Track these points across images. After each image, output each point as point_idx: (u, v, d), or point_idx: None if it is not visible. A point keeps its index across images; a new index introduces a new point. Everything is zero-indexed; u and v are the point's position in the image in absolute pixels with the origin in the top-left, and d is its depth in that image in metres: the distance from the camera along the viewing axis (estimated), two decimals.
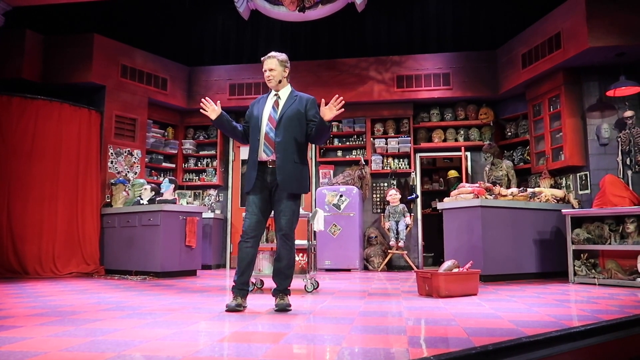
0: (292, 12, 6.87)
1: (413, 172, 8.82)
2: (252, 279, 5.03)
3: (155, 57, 8.57)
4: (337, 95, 3.44)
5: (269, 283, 4.44)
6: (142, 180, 7.61)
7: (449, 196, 6.44)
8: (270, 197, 3.60)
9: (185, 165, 9.46)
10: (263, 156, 3.55)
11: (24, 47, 7.32)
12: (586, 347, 2.54)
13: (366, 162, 8.81)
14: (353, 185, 8.45)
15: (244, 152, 9.35)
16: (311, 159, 9.18)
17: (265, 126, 3.58)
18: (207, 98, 3.71)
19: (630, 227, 5.28)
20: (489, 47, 8.54)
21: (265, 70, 3.65)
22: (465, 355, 2.07)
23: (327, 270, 7.98)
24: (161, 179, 8.64)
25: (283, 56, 3.68)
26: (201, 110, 3.70)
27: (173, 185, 7.29)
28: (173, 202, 7.01)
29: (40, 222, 6.81)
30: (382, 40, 9.10)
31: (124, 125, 7.97)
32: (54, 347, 2.23)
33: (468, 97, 8.60)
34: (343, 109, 3.44)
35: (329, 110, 3.41)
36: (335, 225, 8.11)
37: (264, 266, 4.97)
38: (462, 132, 8.79)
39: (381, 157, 8.84)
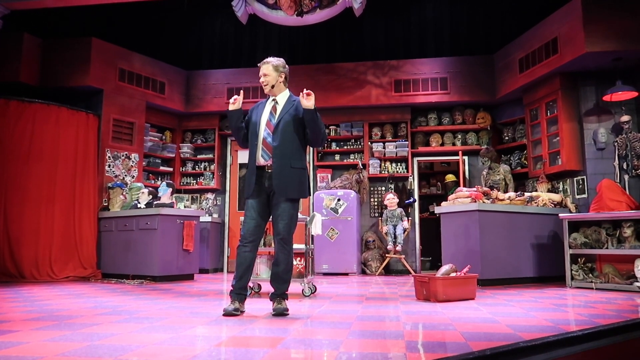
0: (290, 17, 6.89)
1: (411, 176, 8.83)
2: (250, 283, 5.03)
3: (153, 60, 8.57)
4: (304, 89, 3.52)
5: (267, 287, 4.44)
6: (139, 184, 7.60)
7: (446, 200, 6.44)
8: (269, 201, 3.60)
9: (183, 169, 9.45)
10: (261, 161, 3.58)
11: (22, 50, 7.32)
12: (584, 352, 2.54)
13: (364, 166, 8.82)
14: (351, 189, 8.46)
15: (242, 156, 9.36)
16: (309, 163, 9.18)
17: (263, 131, 3.60)
18: (237, 96, 3.70)
19: (627, 232, 5.29)
20: (486, 51, 8.57)
21: (261, 77, 3.70)
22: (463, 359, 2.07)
23: (325, 274, 7.97)
24: (159, 182, 8.61)
25: (279, 61, 3.70)
26: (235, 97, 3.67)
27: (170, 189, 7.29)
28: (170, 205, 7.01)
29: (37, 225, 6.78)
30: (379, 44, 9.13)
31: (121, 129, 7.96)
32: (50, 351, 2.22)
33: (465, 101, 8.62)
34: (312, 94, 3.46)
35: (304, 100, 3.47)
36: (333, 229, 8.11)
37: (261, 270, 4.97)
38: (459, 137, 8.82)
39: (379, 161, 8.85)
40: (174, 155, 9.34)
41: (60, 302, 4.22)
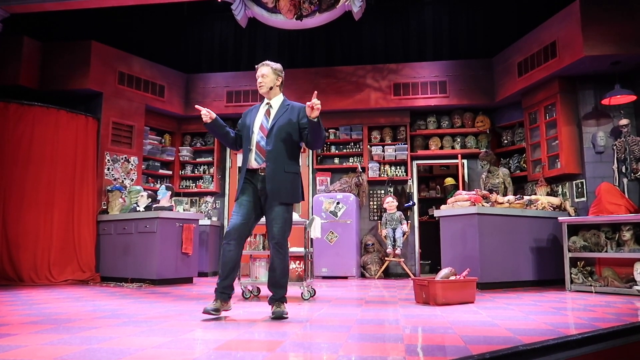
0: (289, 20, 6.90)
1: (410, 179, 8.84)
2: (249, 287, 5.02)
3: (152, 64, 8.58)
4: (315, 93, 3.47)
5: (266, 290, 4.43)
6: (138, 187, 7.59)
7: (445, 204, 6.45)
8: (260, 204, 3.59)
9: (182, 172, 9.45)
10: (254, 164, 3.57)
11: (22, 53, 7.33)
12: (583, 355, 2.54)
13: (363, 169, 8.82)
14: (350, 192, 8.46)
15: (241, 159, 9.34)
16: (308, 166, 9.19)
17: (256, 135, 3.59)
18: (198, 107, 3.72)
19: (627, 235, 5.29)
20: (485, 55, 8.59)
21: (258, 77, 3.69)
22: None
23: (324, 277, 7.96)
24: (158, 185, 8.62)
25: (277, 65, 3.71)
26: (198, 110, 3.69)
27: (170, 192, 7.28)
28: (169, 209, 7.00)
29: (36, 228, 6.77)
30: (379, 48, 9.16)
31: (121, 132, 7.96)
32: (48, 355, 2.21)
33: (464, 105, 8.63)
34: (319, 104, 3.36)
35: (310, 111, 3.38)
36: (332, 233, 8.11)
37: (260, 273, 4.96)
38: (458, 140, 8.83)
39: (378, 165, 8.86)
40: (173, 159, 9.34)
41: (59, 305, 4.21)
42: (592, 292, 5.37)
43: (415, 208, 8.85)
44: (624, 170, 6.65)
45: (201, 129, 9.38)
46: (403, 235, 8.13)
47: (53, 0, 6.62)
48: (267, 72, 3.66)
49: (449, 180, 9.84)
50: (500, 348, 2.30)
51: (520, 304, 4.35)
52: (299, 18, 6.82)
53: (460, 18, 8.92)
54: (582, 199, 6.90)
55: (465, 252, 5.83)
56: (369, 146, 8.94)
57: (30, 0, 6.62)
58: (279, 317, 3.42)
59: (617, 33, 6.28)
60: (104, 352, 2.28)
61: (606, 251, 5.47)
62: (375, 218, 8.85)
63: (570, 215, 6.47)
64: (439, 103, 8.61)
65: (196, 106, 3.75)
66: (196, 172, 9.49)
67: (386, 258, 8.20)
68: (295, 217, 5.06)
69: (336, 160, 9.16)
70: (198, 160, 9.51)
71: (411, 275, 8.09)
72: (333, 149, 9.21)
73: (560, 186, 7.35)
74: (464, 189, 8.34)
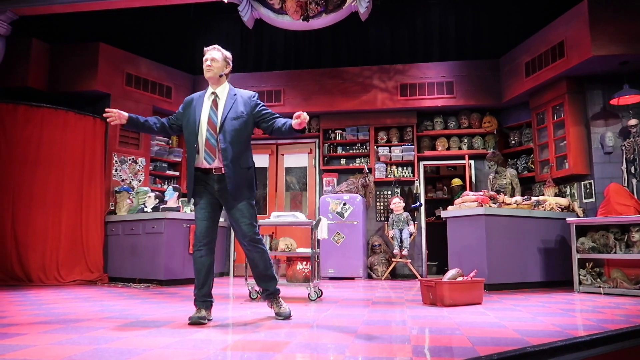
0: (296, 21, 6.91)
1: (417, 180, 8.82)
2: (256, 287, 5.02)
3: (159, 65, 8.62)
4: (299, 113, 3.20)
5: None
6: (146, 188, 7.63)
7: (452, 204, 6.43)
8: (219, 203, 3.42)
9: None
10: (205, 164, 3.33)
11: (30, 55, 7.39)
12: (592, 357, 2.52)
13: (370, 170, 8.81)
14: (357, 193, 8.45)
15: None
16: (315, 167, 9.20)
17: (205, 132, 3.33)
18: (107, 111, 3.38)
19: (636, 236, 5.25)
20: (492, 55, 8.56)
21: (207, 60, 3.41)
22: None
23: (331, 278, 7.95)
24: (165, 186, 8.65)
25: (228, 53, 3.52)
26: (109, 120, 3.35)
27: (177, 193, 7.31)
28: (177, 209, 7.03)
29: (45, 229, 6.82)
30: (385, 49, 9.14)
31: (128, 133, 8.00)
32: (57, 355, 2.23)
33: (471, 105, 8.60)
34: (306, 119, 3.20)
35: (296, 123, 3.20)
36: (339, 234, 8.10)
37: None
38: (465, 141, 8.79)
39: (385, 165, 8.84)
40: (180, 160, 9.36)
41: (67, 305, 4.24)
42: (600, 293, 5.33)
43: (422, 209, 8.83)
44: (633, 170, 6.60)
45: None
46: (410, 236, 8.11)
47: (61, 2, 6.68)
48: (218, 57, 3.42)
49: (456, 181, 9.81)
50: (508, 349, 2.29)
51: (528, 305, 4.32)
52: (305, 19, 6.83)
53: (467, 18, 8.89)
54: (591, 200, 6.86)
55: (473, 253, 5.81)
56: (375, 147, 8.92)
57: (39, 2, 6.68)
58: (285, 317, 3.43)
59: (626, 33, 6.23)
60: (112, 352, 2.29)
61: (615, 252, 5.43)
62: (382, 219, 8.83)
63: (578, 216, 6.43)
64: (445, 104, 8.58)
65: (106, 110, 3.39)
66: None
67: (393, 259, 8.19)
68: (302, 217, 5.06)
69: (343, 161, 9.16)
70: None
71: (418, 276, 8.07)
72: (340, 150, 9.20)
73: (568, 187, 7.31)
74: (471, 190, 8.30)
